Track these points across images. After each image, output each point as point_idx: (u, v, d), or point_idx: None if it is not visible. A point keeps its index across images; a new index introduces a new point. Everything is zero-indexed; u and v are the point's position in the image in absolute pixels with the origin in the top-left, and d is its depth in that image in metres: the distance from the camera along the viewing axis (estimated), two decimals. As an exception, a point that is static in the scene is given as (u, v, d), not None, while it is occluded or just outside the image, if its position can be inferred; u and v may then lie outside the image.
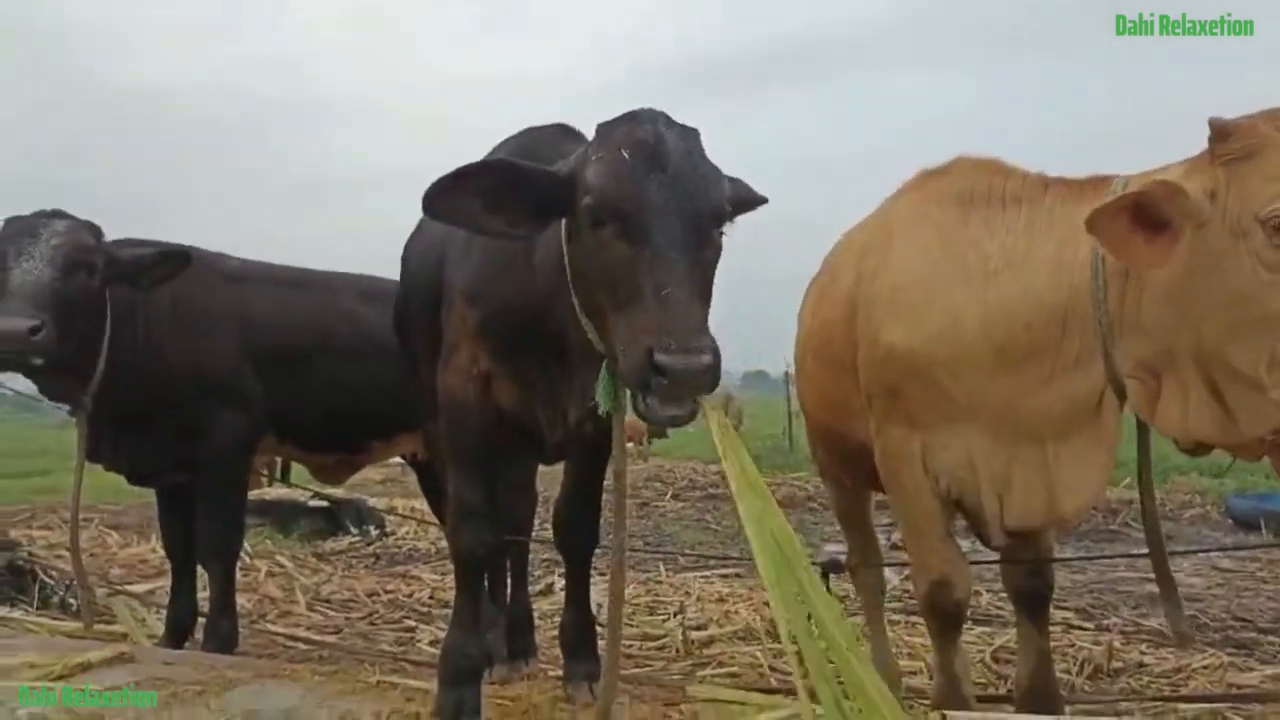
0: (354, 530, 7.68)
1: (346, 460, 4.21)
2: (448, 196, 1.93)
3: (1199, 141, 2.00)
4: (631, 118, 1.87)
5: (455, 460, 2.45)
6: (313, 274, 4.15)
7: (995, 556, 2.75)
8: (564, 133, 2.50)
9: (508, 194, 1.93)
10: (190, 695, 2.56)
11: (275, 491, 7.94)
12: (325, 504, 7.65)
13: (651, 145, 1.79)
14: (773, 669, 3.73)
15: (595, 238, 1.81)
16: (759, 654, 3.88)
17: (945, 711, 2.26)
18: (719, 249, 1.87)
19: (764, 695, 2.68)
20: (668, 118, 1.88)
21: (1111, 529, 8.24)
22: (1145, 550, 2.44)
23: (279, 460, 6.80)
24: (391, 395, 3.67)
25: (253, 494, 7.63)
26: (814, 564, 3.85)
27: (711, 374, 1.65)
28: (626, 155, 1.78)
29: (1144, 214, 1.95)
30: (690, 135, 1.87)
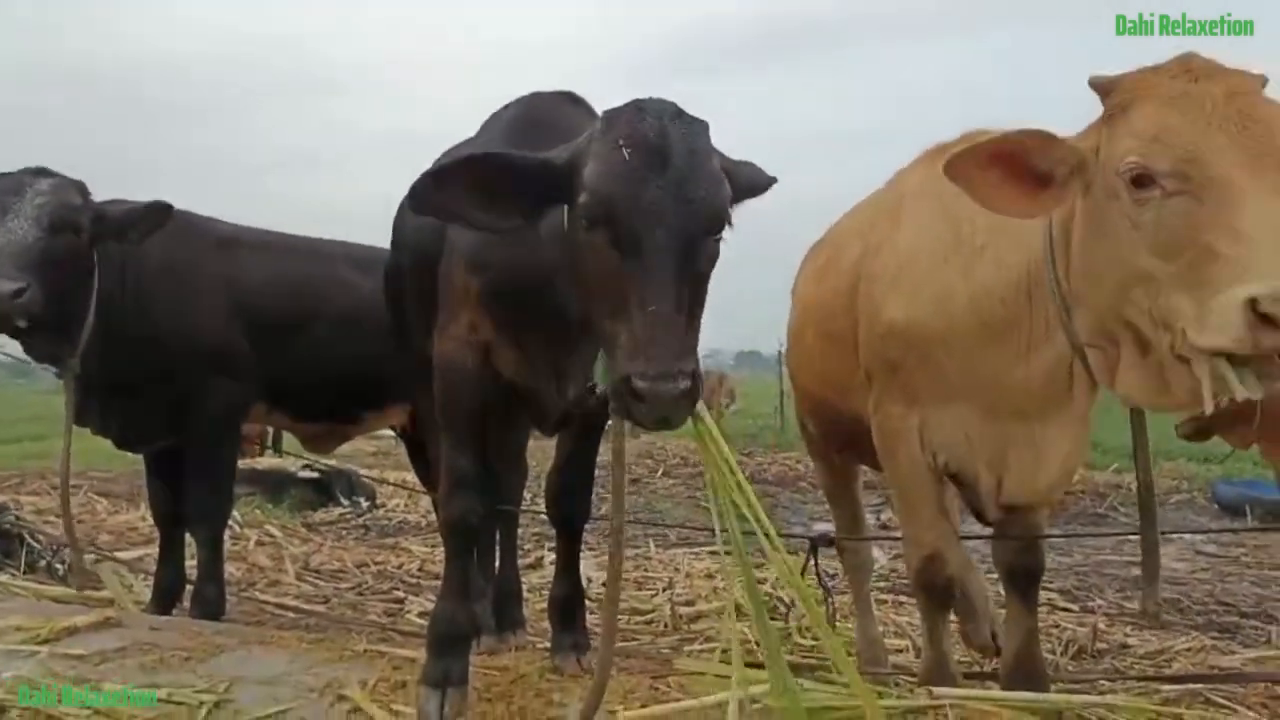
0: (344, 501, 7.68)
1: (336, 430, 4.19)
2: (437, 191, 1.89)
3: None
4: (638, 109, 1.80)
5: (448, 428, 2.43)
6: (306, 241, 4.10)
7: (986, 535, 2.77)
8: (568, 101, 2.44)
9: (501, 186, 1.88)
10: (176, 661, 2.55)
11: (266, 461, 7.94)
12: (316, 475, 7.64)
13: (654, 145, 1.73)
14: (759, 644, 3.74)
15: (589, 239, 1.77)
16: (746, 630, 3.89)
17: (932, 688, 2.28)
18: (715, 257, 1.82)
19: (750, 670, 2.69)
20: (676, 110, 1.81)
21: (1099, 512, 8.30)
22: (1124, 532, 2.45)
23: (270, 429, 6.78)
24: (384, 365, 3.64)
25: (243, 463, 7.62)
26: (803, 538, 3.89)
27: (689, 399, 1.64)
28: (627, 155, 1.72)
29: (1022, 166, 1.92)
30: (697, 132, 1.80)
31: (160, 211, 3.28)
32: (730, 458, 1.84)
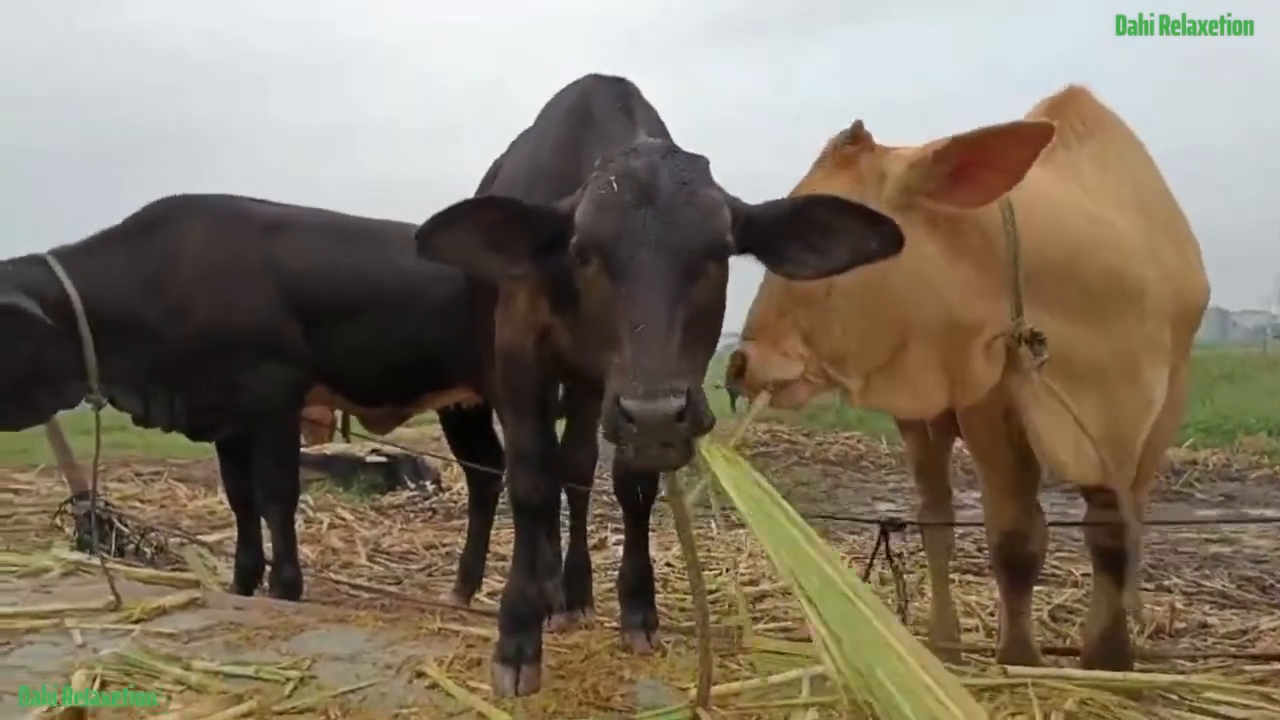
0: (411, 485, 7.83)
1: (395, 411, 4.17)
2: (444, 233, 1.86)
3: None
4: (631, 150, 1.81)
5: (511, 409, 2.47)
6: (357, 221, 4.03)
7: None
8: (621, 91, 2.39)
9: (508, 231, 1.87)
10: (261, 639, 2.65)
11: (334, 447, 8.11)
12: (383, 460, 7.80)
13: (642, 177, 1.72)
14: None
15: (583, 276, 1.77)
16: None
17: (1007, 666, 2.25)
18: (717, 283, 1.78)
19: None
20: (671, 147, 1.82)
21: (1175, 490, 8.05)
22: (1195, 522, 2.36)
23: (340, 416, 6.91)
24: (440, 346, 3.66)
25: (313, 449, 7.81)
26: (873, 522, 3.87)
27: (691, 421, 1.54)
28: (615, 187, 1.72)
29: None
30: (693, 164, 1.79)
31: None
32: (763, 490, 1.73)
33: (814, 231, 1.85)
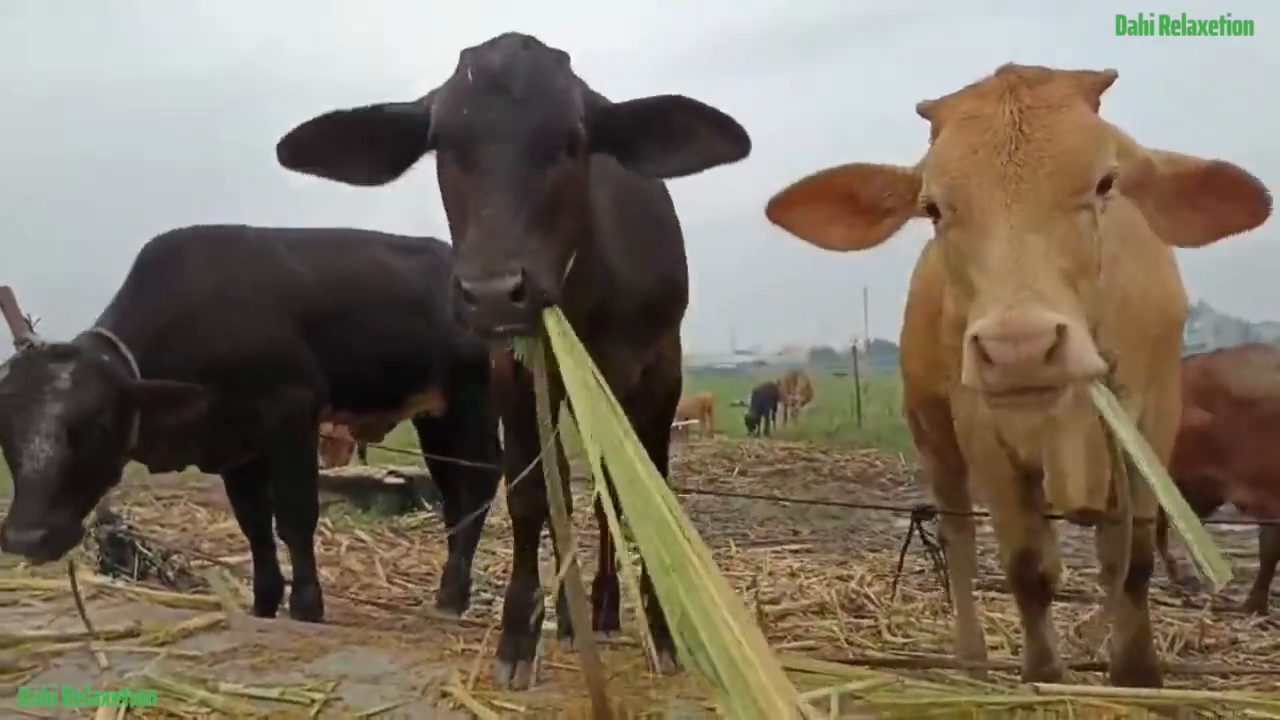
0: (429, 506, 7.82)
1: (386, 416, 4.26)
2: (301, 145, 1.91)
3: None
4: (490, 43, 1.86)
5: (506, 429, 2.60)
6: (337, 232, 4.09)
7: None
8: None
9: (369, 137, 1.91)
10: (285, 660, 2.65)
11: (352, 469, 8.17)
12: (401, 481, 7.82)
13: (496, 70, 1.77)
14: (850, 642, 3.71)
15: (440, 170, 1.82)
16: (835, 627, 3.87)
17: (1039, 684, 2.22)
18: (568, 173, 1.80)
19: (845, 666, 2.67)
20: (531, 40, 1.86)
21: (1198, 504, 7.94)
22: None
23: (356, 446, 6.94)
24: (424, 347, 3.82)
25: (330, 471, 7.86)
26: (905, 511, 3.92)
27: (530, 300, 1.61)
28: (470, 77, 1.78)
29: (850, 200, 1.91)
30: (548, 58, 1.84)
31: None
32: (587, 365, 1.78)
33: (672, 131, 1.89)
